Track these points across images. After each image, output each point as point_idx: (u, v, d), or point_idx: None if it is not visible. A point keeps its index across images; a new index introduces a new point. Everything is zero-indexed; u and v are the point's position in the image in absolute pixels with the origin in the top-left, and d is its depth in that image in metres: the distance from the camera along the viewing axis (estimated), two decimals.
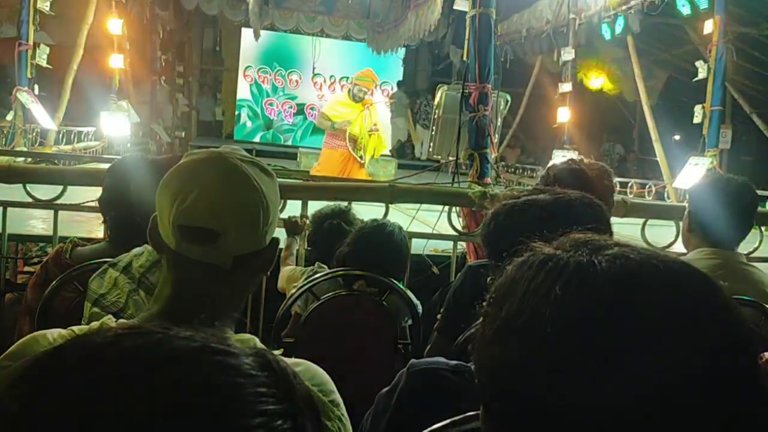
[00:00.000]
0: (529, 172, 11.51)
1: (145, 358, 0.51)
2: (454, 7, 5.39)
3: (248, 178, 1.15)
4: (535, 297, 0.64)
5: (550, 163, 8.00)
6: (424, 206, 4.01)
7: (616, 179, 7.67)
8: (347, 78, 11.07)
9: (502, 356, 0.65)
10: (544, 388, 0.60)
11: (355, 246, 2.56)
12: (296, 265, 3.15)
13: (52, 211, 3.32)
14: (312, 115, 16.38)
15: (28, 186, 3.34)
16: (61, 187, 3.33)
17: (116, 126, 9.28)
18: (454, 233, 3.66)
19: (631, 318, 0.59)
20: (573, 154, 9.43)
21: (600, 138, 15.19)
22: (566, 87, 10.13)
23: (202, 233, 1.13)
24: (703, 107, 7.10)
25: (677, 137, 13.23)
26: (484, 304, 0.72)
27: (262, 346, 1.16)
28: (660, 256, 0.67)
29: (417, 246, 3.72)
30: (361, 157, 7.74)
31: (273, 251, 1.24)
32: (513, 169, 12.23)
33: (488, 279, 1.40)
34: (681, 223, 2.56)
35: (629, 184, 7.66)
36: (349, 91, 7.85)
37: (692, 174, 6.40)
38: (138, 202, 1.94)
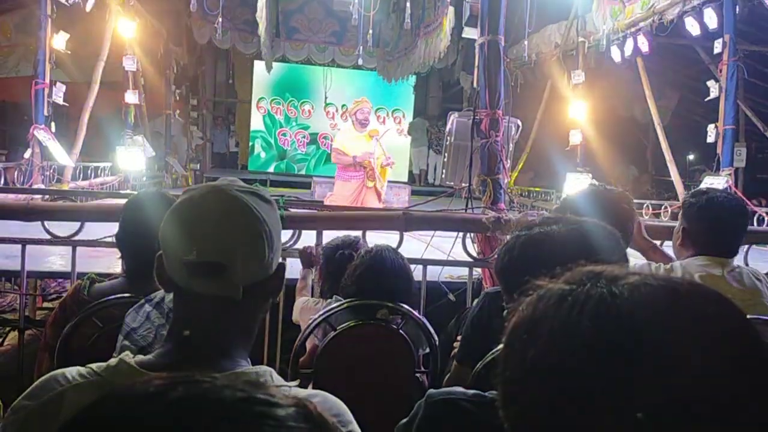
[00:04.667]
0: (542, 195, 11.48)
1: (193, 412, 0.51)
2: (463, 35, 5.45)
3: (249, 208, 1.17)
4: (562, 335, 0.64)
5: (566, 188, 8.03)
6: (439, 232, 4.00)
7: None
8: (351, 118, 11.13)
9: (533, 395, 0.65)
10: (576, 424, 0.61)
11: (356, 279, 2.56)
12: (310, 296, 3.15)
13: (70, 248, 3.36)
14: (325, 144, 16.49)
15: (46, 223, 3.38)
16: (78, 224, 3.36)
17: (132, 160, 9.39)
18: (469, 259, 3.65)
19: (662, 345, 0.60)
20: (586, 177, 9.43)
21: (613, 159, 15.12)
22: (577, 110, 10.16)
23: (209, 267, 1.13)
24: (716, 126, 7.07)
25: (691, 156, 13.16)
26: (502, 344, 0.72)
27: (279, 378, 1.16)
28: (677, 280, 0.69)
29: (432, 273, 3.71)
30: (372, 185, 7.82)
31: (280, 277, 1.25)
32: (527, 193, 12.20)
33: (504, 312, 1.39)
34: (672, 238, 2.56)
35: (644, 206, 7.62)
36: (352, 122, 7.97)
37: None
38: (154, 237, 1.96)
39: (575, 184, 9.39)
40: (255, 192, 1.23)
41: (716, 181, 6.74)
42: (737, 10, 6.98)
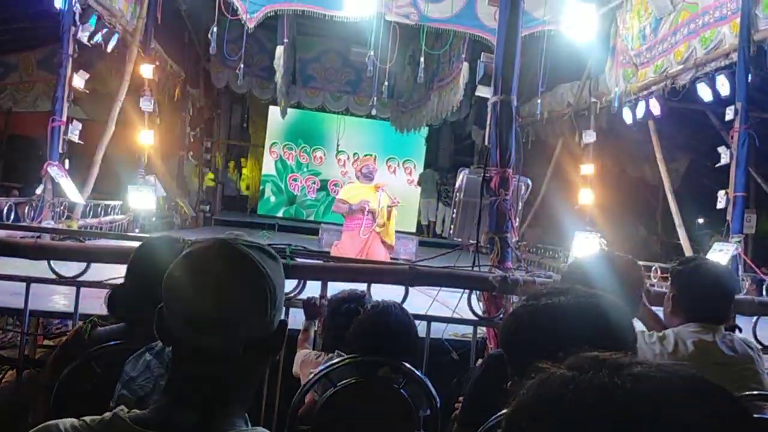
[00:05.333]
0: (550, 252, 11.43)
1: None
2: (477, 94, 5.51)
3: (254, 264, 1.16)
4: (561, 426, 0.64)
5: (574, 247, 7.98)
6: (446, 287, 3.98)
7: (640, 263, 7.61)
8: (371, 155, 11.36)
9: None
10: None
11: (360, 335, 2.53)
12: (312, 349, 3.11)
13: (75, 288, 3.35)
14: (335, 191, 16.58)
15: (52, 261, 3.38)
16: (84, 264, 3.36)
17: (142, 200, 9.44)
18: (475, 318, 3.61)
19: None
20: (595, 237, 9.40)
21: (622, 219, 15.10)
22: (587, 169, 10.19)
23: (211, 323, 1.12)
24: (727, 193, 7.06)
25: (701, 220, 13.12)
26: (504, 423, 0.71)
27: None
28: (682, 374, 0.68)
29: (436, 330, 3.68)
30: (381, 230, 7.92)
31: (282, 334, 1.24)
32: (534, 250, 12.15)
33: (507, 383, 1.37)
34: (663, 306, 2.56)
35: (653, 268, 7.56)
36: (357, 177, 8.22)
37: (718, 261, 6.31)
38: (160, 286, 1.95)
39: (584, 244, 9.36)
40: (260, 247, 1.22)
41: (726, 248, 6.70)
42: (750, 78, 7.03)
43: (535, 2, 10.15)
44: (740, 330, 2.89)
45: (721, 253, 6.62)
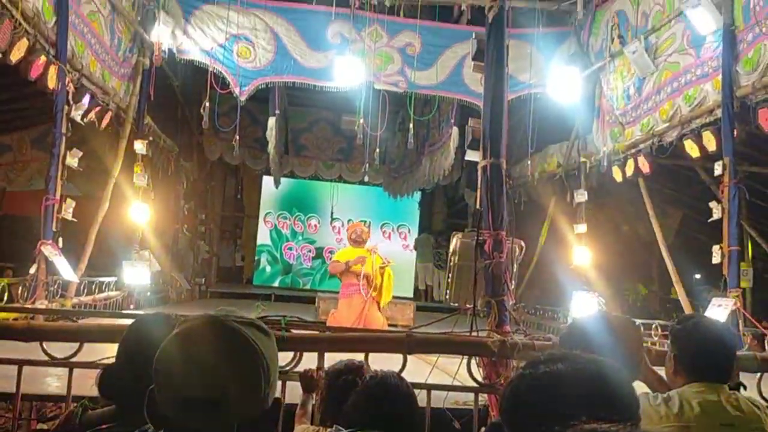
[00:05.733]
0: (549, 313, 11.35)
1: None
2: (466, 158, 5.57)
3: (247, 341, 1.14)
4: None
5: (572, 307, 7.93)
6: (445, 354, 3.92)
7: (639, 321, 7.55)
8: (365, 222, 11.42)
9: None
10: None
11: (358, 407, 2.47)
12: (311, 423, 3.04)
13: (67, 369, 3.29)
14: (330, 259, 16.57)
15: (45, 342, 3.32)
16: (77, 344, 3.31)
17: (137, 276, 9.39)
18: (475, 384, 3.55)
19: None
20: (593, 296, 9.35)
21: (619, 277, 15.08)
22: (581, 228, 10.24)
23: (204, 403, 1.10)
24: (721, 247, 7.07)
25: (698, 276, 13.10)
26: None
27: None
28: None
29: (437, 398, 3.60)
30: (375, 296, 8.02)
31: (276, 412, 1.21)
32: (533, 311, 12.07)
33: None
34: (665, 366, 2.52)
35: (653, 326, 7.49)
36: (349, 242, 8.50)
37: (716, 316, 6.26)
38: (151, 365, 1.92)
39: (582, 304, 9.31)
40: (253, 323, 1.21)
41: (724, 303, 6.66)
42: (735, 133, 7.14)
43: (521, 67, 10.40)
44: (745, 387, 2.84)
45: (719, 309, 6.58)
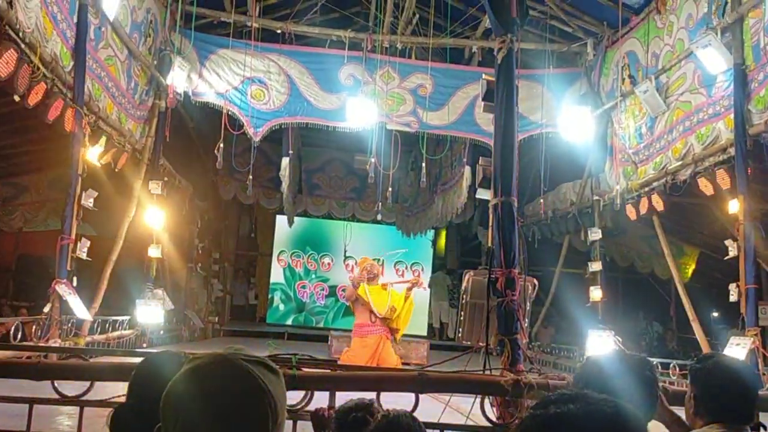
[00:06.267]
0: (565, 352, 11.22)
1: None
2: (477, 196, 5.59)
3: (255, 380, 1.13)
4: None
5: (588, 346, 7.84)
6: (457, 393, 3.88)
7: (656, 360, 7.44)
8: (379, 260, 11.46)
9: None
10: None
11: None
12: None
13: (78, 407, 3.28)
14: (343, 297, 16.54)
15: (57, 382, 3.33)
16: (88, 383, 3.31)
17: (150, 314, 9.41)
18: (489, 424, 3.50)
19: None
20: (609, 334, 9.24)
21: (636, 316, 14.92)
22: (596, 266, 10.17)
23: None
24: (738, 286, 6.99)
25: (716, 314, 12.92)
26: None
27: None
28: None
29: None
30: (393, 333, 7.97)
31: None
32: (548, 350, 11.94)
33: None
34: (684, 406, 2.46)
35: (670, 365, 7.38)
36: (364, 279, 8.38)
37: (735, 355, 6.16)
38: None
39: (597, 342, 9.20)
40: (261, 361, 1.19)
41: (742, 341, 6.56)
42: (749, 171, 7.12)
43: (532, 107, 10.49)
44: (765, 429, 2.79)
45: (738, 348, 6.48)
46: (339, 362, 7.34)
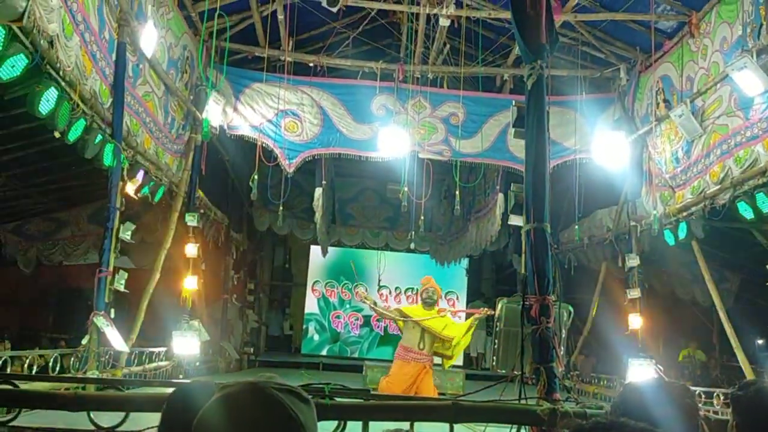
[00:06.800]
0: (605, 381, 10.98)
1: None
2: (509, 223, 5.55)
3: (285, 410, 1.12)
4: None
5: (629, 375, 7.68)
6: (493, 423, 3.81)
7: (699, 389, 7.24)
8: (413, 289, 11.40)
9: None
10: None
11: None
12: None
13: None
14: (378, 327, 16.48)
15: (93, 413, 3.36)
16: (123, 414, 3.33)
17: (187, 345, 9.47)
18: None
19: None
20: (649, 363, 9.03)
21: (677, 344, 14.55)
22: (634, 293, 9.97)
23: None
24: None
25: (760, 341, 12.56)
26: None
27: None
28: None
29: None
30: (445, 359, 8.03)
31: None
32: (588, 379, 11.69)
33: None
34: None
35: (714, 394, 7.17)
36: (422, 301, 8.19)
37: None
38: None
39: (638, 371, 8.99)
40: (292, 390, 1.19)
41: None
42: None
43: (565, 132, 10.43)
44: None
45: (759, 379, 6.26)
46: (379, 387, 7.30)
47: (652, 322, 10.09)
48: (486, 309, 8.33)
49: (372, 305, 8.64)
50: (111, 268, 7.42)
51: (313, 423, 1.18)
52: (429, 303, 8.00)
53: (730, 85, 8.01)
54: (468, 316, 8.22)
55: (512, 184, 5.24)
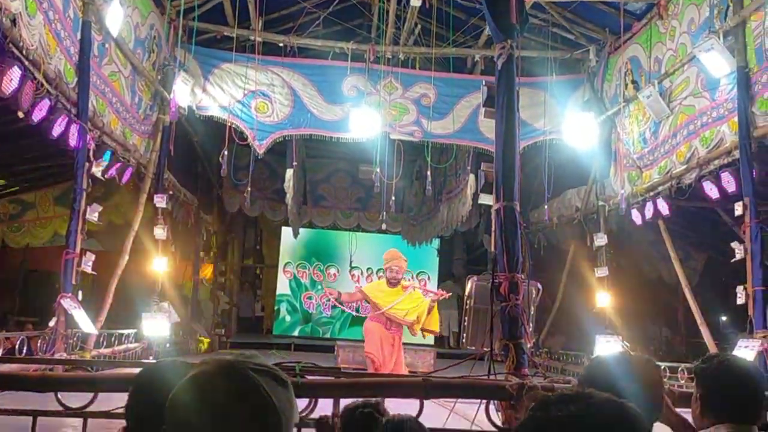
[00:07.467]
0: (573, 358, 11.16)
1: None
2: (480, 202, 5.59)
3: (260, 394, 1.09)
4: None
5: (596, 352, 7.82)
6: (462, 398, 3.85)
7: (664, 364, 7.39)
8: (384, 270, 11.40)
9: None
10: None
11: None
12: None
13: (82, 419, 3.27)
14: (350, 307, 16.50)
15: (61, 393, 3.32)
16: (92, 394, 3.30)
17: (156, 327, 9.40)
18: (494, 429, 3.47)
19: None
20: (617, 340, 9.20)
21: (644, 321, 14.83)
22: (602, 272, 10.13)
23: None
24: (745, 288, 6.95)
25: (724, 318, 12.84)
26: None
27: None
28: None
29: None
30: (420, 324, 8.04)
31: None
32: (556, 356, 11.88)
33: None
34: (691, 408, 2.44)
35: (679, 369, 7.33)
36: (386, 280, 8.29)
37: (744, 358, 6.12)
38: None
39: (605, 348, 9.15)
40: (270, 372, 1.15)
41: (750, 344, 6.51)
42: (754, 173, 7.09)
43: (535, 114, 10.49)
44: None
45: (746, 350, 6.43)
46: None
47: (619, 300, 10.26)
48: (443, 292, 8.44)
49: (335, 301, 8.74)
50: (78, 250, 7.32)
51: (290, 407, 1.15)
52: (393, 283, 8.09)
53: (697, 66, 8.12)
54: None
55: (483, 162, 5.27)
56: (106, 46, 8.08)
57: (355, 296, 8.87)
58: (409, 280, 8.33)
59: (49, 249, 12.03)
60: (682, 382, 7.13)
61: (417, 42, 11.08)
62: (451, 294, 8.35)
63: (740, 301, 7.01)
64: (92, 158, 7.68)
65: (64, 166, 9.26)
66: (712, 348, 8.48)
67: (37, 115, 6.35)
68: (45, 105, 6.42)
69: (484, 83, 5.13)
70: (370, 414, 2.72)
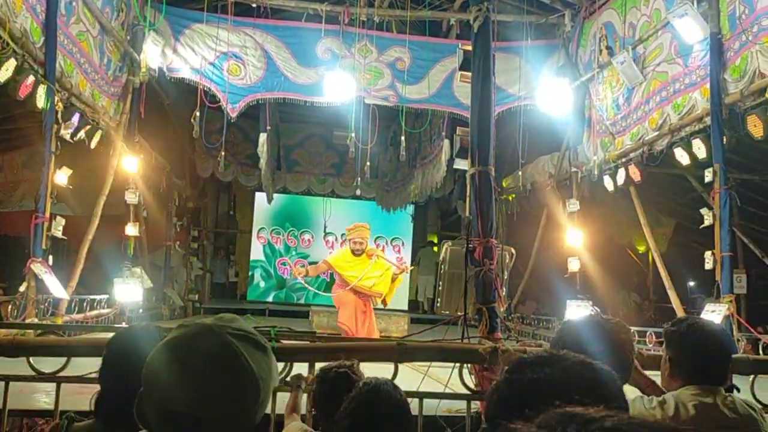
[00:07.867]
0: (544, 323, 11.33)
1: None
2: (455, 167, 5.59)
3: (238, 359, 1.08)
4: None
5: (567, 316, 7.95)
6: (436, 362, 3.90)
7: (633, 328, 7.54)
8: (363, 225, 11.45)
9: None
10: None
11: (350, 414, 2.42)
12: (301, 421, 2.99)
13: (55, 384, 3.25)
14: (325, 273, 16.52)
15: (33, 359, 3.29)
16: (65, 359, 3.28)
17: (129, 292, 9.33)
18: (467, 392, 3.53)
19: None
20: (587, 304, 9.34)
21: (614, 286, 15.08)
22: (574, 237, 10.24)
23: (185, 419, 1.05)
24: (713, 254, 7.08)
25: (692, 283, 13.10)
26: None
27: None
28: (653, 425, 0.65)
29: (429, 406, 3.58)
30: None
31: (264, 428, 1.17)
32: (528, 321, 12.05)
33: None
34: (660, 369, 2.49)
35: (647, 334, 7.49)
36: (349, 245, 8.36)
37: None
38: (138, 376, 1.87)
39: (576, 312, 9.30)
40: (249, 336, 1.14)
41: (717, 308, 6.66)
42: (725, 140, 7.18)
43: (510, 79, 10.46)
44: (738, 390, 2.83)
45: (713, 314, 6.57)
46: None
47: (591, 266, 10.40)
48: (407, 266, 8.57)
49: (303, 280, 8.81)
50: (48, 215, 7.20)
51: (269, 370, 1.15)
52: (357, 254, 8.15)
53: (671, 32, 8.14)
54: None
55: (458, 127, 5.26)
56: (74, 4, 7.85)
57: (320, 268, 8.96)
58: (372, 247, 8.39)
59: (18, 213, 11.82)
60: (651, 345, 7.28)
61: (392, 4, 10.92)
62: (413, 268, 8.48)
63: (708, 266, 7.14)
64: (60, 120, 7.51)
65: (31, 128, 9.05)
66: (681, 312, 8.65)
67: (3, 76, 6.18)
68: (11, 65, 6.24)
69: (460, 46, 5.09)
70: (344, 374, 2.75)
